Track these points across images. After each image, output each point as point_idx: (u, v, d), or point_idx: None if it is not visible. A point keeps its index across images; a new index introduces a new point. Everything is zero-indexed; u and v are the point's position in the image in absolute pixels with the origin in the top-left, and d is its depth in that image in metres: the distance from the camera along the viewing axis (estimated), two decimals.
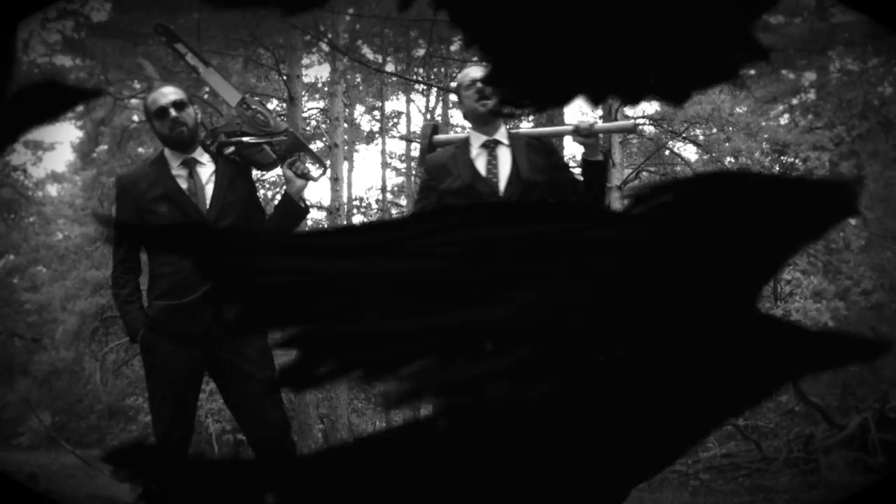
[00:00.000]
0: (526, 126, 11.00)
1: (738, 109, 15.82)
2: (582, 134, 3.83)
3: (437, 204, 3.94)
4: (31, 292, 27.58)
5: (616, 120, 4.84)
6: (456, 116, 24.62)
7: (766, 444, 9.17)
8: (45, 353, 25.06)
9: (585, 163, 3.88)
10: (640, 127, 20.09)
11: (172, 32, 4.35)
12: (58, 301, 24.10)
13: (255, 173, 4.66)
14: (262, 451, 3.93)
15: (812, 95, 18.22)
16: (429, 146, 4.19)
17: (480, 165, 3.92)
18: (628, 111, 12.07)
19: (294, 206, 4.10)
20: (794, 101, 18.92)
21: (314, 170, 4.10)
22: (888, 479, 5.66)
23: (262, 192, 18.61)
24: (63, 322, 23.17)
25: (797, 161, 14.40)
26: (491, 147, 3.95)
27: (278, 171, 4.25)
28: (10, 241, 27.77)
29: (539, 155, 3.96)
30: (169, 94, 4.00)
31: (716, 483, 7.97)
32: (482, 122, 3.97)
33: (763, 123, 16.44)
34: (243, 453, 15.16)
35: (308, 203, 4.20)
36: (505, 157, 3.93)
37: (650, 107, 20.66)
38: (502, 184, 3.87)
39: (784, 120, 19.32)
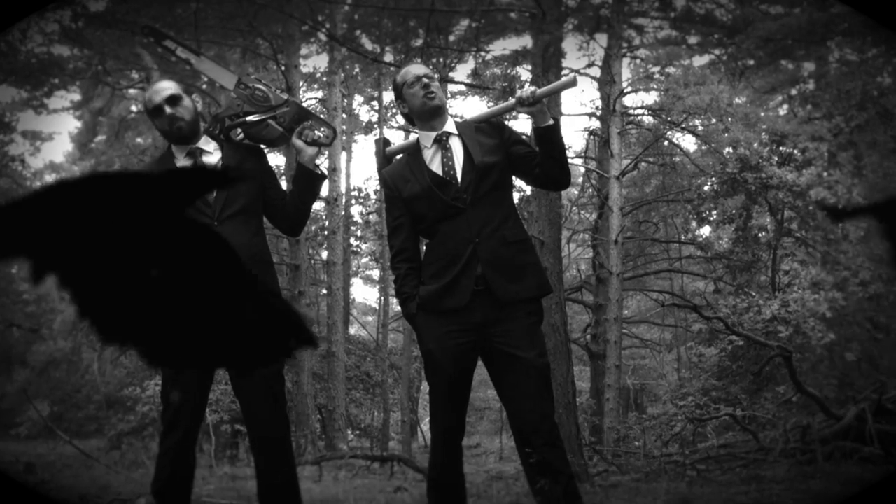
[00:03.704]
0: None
1: (736, 100, 15.81)
2: (526, 103, 3.80)
3: (405, 211, 3.94)
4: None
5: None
6: (455, 106, 24.61)
7: (763, 435, 9.18)
8: (44, 343, 25.10)
9: (538, 131, 3.85)
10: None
11: (158, 31, 4.33)
12: (56, 291, 24.05)
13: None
14: (260, 451, 3.92)
15: (811, 86, 18.23)
16: (384, 160, 4.20)
17: (436, 165, 3.91)
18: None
19: (310, 175, 4.08)
20: (793, 92, 18.92)
21: (324, 135, 4.08)
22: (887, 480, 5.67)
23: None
24: (61, 312, 23.21)
25: (796, 151, 14.39)
26: (443, 141, 3.95)
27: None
28: None
29: (489, 136, 3.96)
30: (162, 90, 3.97)
31: (713, 473, 7.97)
32: (430, 116, 3.96)
33: (762, 114, 16.44)
34: (240, 444, 15.17)
35: (323, 170, 4.17)
36: (457, 148, 3.93)
37: (648, 97, 20.54)
38: (459, 174, 3.87)
39: (783, 110, 19.33)
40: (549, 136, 3.83)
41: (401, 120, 24.03)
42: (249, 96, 4.03)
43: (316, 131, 4.06)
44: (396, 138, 28.21)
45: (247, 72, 16.80)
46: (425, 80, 3.92)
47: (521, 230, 3.93)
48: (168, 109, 3.91)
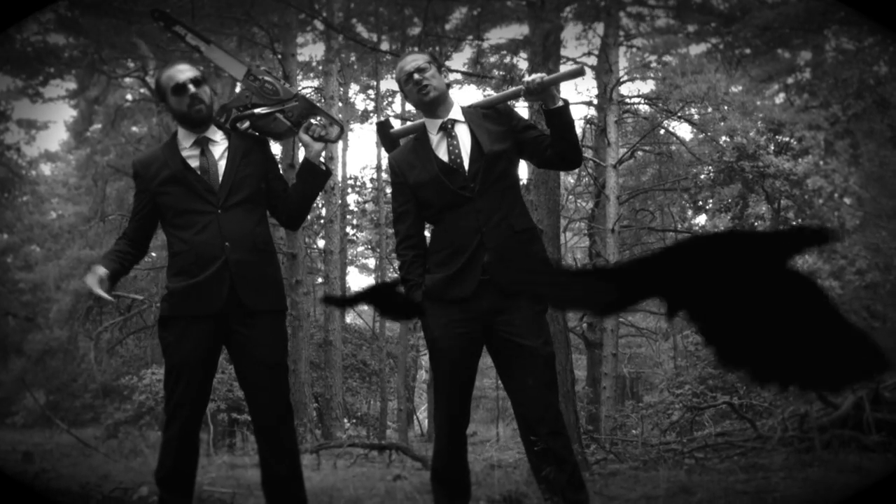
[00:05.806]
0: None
1: (733, 88, 15.79)
2: (534, 91, 3.81)
3: (411, 198, 3.94)
4: (25, 271, 27.53)
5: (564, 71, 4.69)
6: (452, 95, 24.50)
7: (761, 423, 9.19)
8: (40, 332, 25.06)
9: (549, 112, 3.85)
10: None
11: (169, 16, 4.31)
12: (52, 280, 24.05)
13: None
14: (264, 440, 3.92)
15: (808, 74, 18.18)
16: (388, 143, 4.19)
17: (442, 152, 3.91)
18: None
19: (315, 170, 4.08)
20: (790, 80, 18.87)
21: (331, 131, 4.08)
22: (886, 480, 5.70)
23: None
24: (57, 301, 23.16)
25: (792, 140, 14.39)
26: (448, 128, 3.94)
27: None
28: (3, 221, 27.69)
29: (497, 123, 3.95)
30: (186, 70, 3.94)
31: (711, 462, 7.98)
32: (431, 108, 3.96)
33: (758, 102, 16.42)
34: (238, 432, 15.19)
35: (328, 167, 4.17)
36: (464, 135, 3.92)
37: (645, 86, 20.50)
38: (466, 162, 3.86)
39: (779, 99, 19.28)
40: (561, 117, 3.83)
41: (398, 109, 24.02)
42: (259, 88, 4.02)
43: (322, 126, 4.06)
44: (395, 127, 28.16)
45: (244, 62, 16.77)
46: (416, 77, 3.92)
47: (528, 219, 3.92)
48: (192, 89, 3.88)
